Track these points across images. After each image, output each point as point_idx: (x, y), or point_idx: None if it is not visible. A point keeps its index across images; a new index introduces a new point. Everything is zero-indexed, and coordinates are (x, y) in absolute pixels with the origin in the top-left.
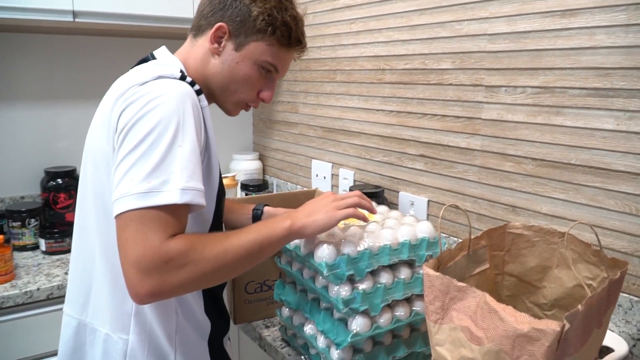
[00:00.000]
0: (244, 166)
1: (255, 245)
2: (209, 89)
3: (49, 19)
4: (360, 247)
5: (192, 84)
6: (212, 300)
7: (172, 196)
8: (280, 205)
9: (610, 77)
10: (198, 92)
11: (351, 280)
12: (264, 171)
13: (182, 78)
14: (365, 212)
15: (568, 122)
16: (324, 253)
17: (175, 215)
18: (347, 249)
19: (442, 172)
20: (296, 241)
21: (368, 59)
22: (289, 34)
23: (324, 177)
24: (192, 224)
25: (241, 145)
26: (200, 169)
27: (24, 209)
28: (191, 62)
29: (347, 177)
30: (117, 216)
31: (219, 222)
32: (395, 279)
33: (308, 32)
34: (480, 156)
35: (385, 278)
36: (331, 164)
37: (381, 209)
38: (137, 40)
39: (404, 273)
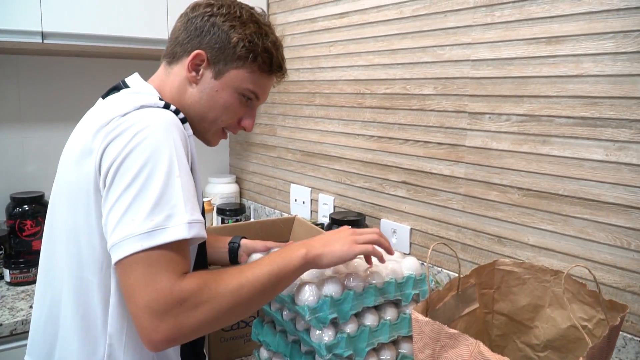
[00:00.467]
0: (220, 190)
1: (272, 277)
2: (187, 118)
3: (17, 40)
4: (344, 288)
5: (176, 112)
6: (190, 344)
7: (179, 231)
8: (258, 235)
9: (598, 107)
10: (183, 121)
11: (334, 323)
12: (240, 195)
13: (166, 106)
14: (383, 253)
15: (555, 151)
16: (305, 296)
17: (181, 251)
18: (330, 290)
19: (425, 199)
20: None
21: (348, 83)
22: (270, 61)
23: (303, 202)
24: None
25: (217, 168)
26: (196, 198)
27: None
28: (167, 90)
29: (326, 203)
30: (119, 261)
31: (203, 252)
32: (381, 320)
33: (286, 53)
34: (464, 184)
35: (370, 320)
36: (310, 189)
37: None
38: (109, 61)
39: (390, 313)
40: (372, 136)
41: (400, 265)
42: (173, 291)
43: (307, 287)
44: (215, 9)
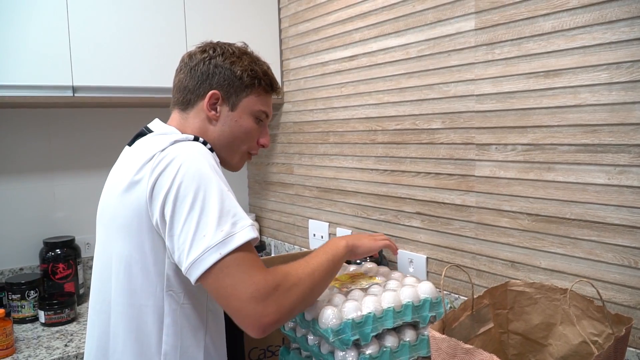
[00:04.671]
0: None
1: (330, 263)
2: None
3: (49, 95)
4: (364, 311)
5: (204, 143)
6: None
7: (246, 233)
8: None
9: (597, 134)
10: (211, 150)
11: (357, 345)
12: (260, 232)
13: (195, 139)
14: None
15: (560, 177)
16: (328, 318)
17: (252, 249)
18: (351, 313)
19: (439, 229)
20: None
21: (360, 121)
22: (270, 81)
23: (322, 237)
24: None
25: None
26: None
27: (23, 281)
28: (189, 131)
29: None
30: (203, 275)
31: None
32: (401, 342)
33: (300, 96)
34: (476, 212)
35: (390, 341)
36: (328, 224)
37: (383, 270)
38: (134, 110)
39: (409, 335)
40: (385, 170)
41: (417, 289)
42: (267, 280)
43: (329, 311)
44: (211, 52)
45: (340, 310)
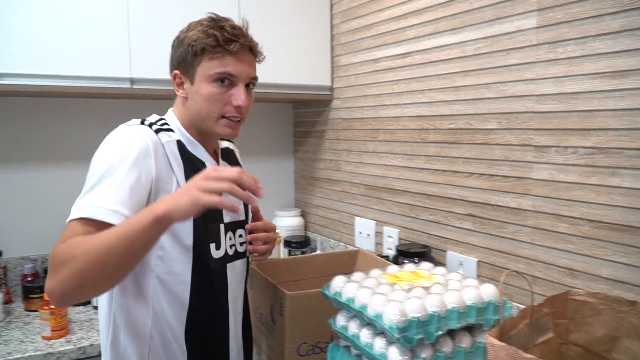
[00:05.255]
0: (286, 223)
1: (122, 235)
2: (198, 129)
3: (108, 86)
4: (429, 309)
5: (150, 125)
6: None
7: (87, 210)
8: (324, 266)
9: None
10: (159, 130)
11: (411, 349)
12: (305, 227)
13: (142, 122)
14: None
15: (626, 183)
16: (393, 315)
17: (90, 224)
18: (416, 311)
19: (491, 232)
20: (363, 300)
21: (411, 119)
22: (216, 41)
23: (368, 235)
24: (172, 246)
25: (283, 202)
26: (127, 194)
27: None
28: (178, 115)
29: (391, 235)
30: None
31: (202, 246)
32: (456, 348)
33: (350, 92)
34: (532, 217)
35: (445, 346)
36: (375, 222)
37: (440, 269)
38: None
39: (465, 341)
40: (437, 170)
41: (480, 291)
42: (53, 252)
43: (394, 308)
44: (175, 38)
45: (404, 307)
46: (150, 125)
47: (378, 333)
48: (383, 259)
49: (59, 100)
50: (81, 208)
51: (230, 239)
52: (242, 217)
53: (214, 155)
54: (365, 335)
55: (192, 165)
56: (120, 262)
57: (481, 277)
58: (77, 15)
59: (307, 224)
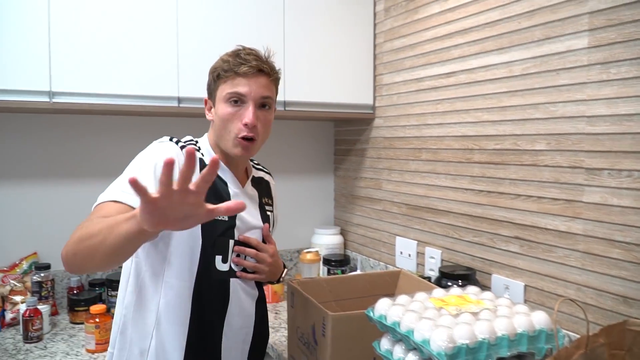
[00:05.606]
0: (325, 240)
1: (105, 226)
2: (222, 151)
3: (158, 105)
4: (478, 336)
5: (178, 142)
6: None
7: (111, 195)
8: (366, 287)
9: None
10: (184, 147)
11: None
12: (345, 246)
13: (171, 139)
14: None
15: None
16: (442, 341)
17: (114, 207)
18: (465, 338)
19: (539, 255)
20: (409, 324)
21: (455, 139)
22: (229, 65)
23: (409, 255)
24: (180, 253)
25: (322, 220)
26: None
27: (118, 279)
28: (209, 138)
29: (433, 256)
30: None
31: (207, 256)
32: None
33: (392, 111)
34: (583, 241)
35: None
36: (416, 242)
37: (488, 294)
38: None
39: None
40: (482, 191)
41: (531, 318)
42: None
43: (443, 333)
44: None
45: (453, 333)
46: (177, 142)
47: (425, 359)
48: (425, 281)
49: (109, 118)
50: (100, 196)
51: (238, 256)
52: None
53: (243, 178)
54: None
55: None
56: (102, 249)
57: (529, 303)
58: (129, 36)
59: (346, 242)
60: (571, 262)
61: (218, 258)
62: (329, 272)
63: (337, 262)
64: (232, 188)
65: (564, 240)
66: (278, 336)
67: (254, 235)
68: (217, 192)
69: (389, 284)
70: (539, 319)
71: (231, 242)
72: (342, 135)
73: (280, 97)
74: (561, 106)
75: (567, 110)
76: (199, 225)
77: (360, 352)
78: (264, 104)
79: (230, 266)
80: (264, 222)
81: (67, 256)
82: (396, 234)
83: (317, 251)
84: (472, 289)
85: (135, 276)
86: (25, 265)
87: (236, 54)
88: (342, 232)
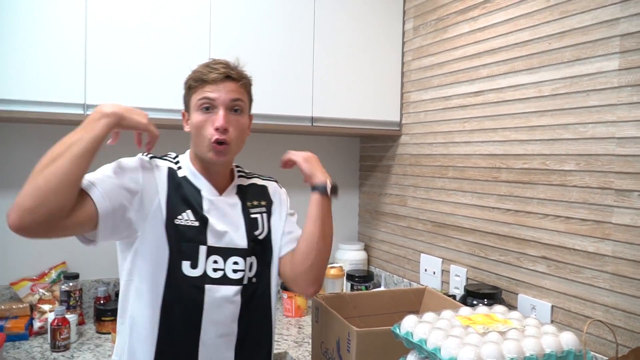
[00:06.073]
0: (349, 256)
1: (67, 139)
2: (200, 161)
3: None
4: (506, 356)
5: (154, 157)
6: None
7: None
8: (390, 303)
9: None
10: (156, 158)
11: None
12: (368, 262)
13: (147, 155)
14: None
15: None
16: (470, 359)
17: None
18: (492, 357)
19: (567, 276)
20: (436, 342)
21: (483, 157)
22: (199, 75)
23: (434, 273)
24: (148, 258)
25: (346, 235)
26: (108, 178)
27: None
28: (190, 152)
29: (459, 274)
30: None
31: (174, 261)
32: None
33: (419, 129)
34: (611, 262)
35: None
36: (441, 260)
37: (515, 314)
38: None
39: None
40: (509, 210)
41: (559, 339)
42: None
43: (470, 353)
44: None
45: (480, 352)
46: (152, 157)
47: None
48: (450, 299)
49: None
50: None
51: (215, 262)
52: (240, 246)
53: (223, 186)
54: None
55: (180, 190)
56: (77, 163)
57: (556, 323)
58: (162, 49)
59: (370, 258)
60: (600, 283)
61: (185, 264)
62: (352, 288)
63: (361, 278)
64: (207, 195)
65: (593, 261)
66: (302, 350)
67: (234, 254)
68: (185, 198)
69: (414, 301)
70: (567, 339)
71: (202, 247)
72: (368, 152)
73: (307, 113)
74: (591, 127)
75: (597, 131)
76: (165, 232)
77: None
78: (235, 107)
79: (204, 272)
80: (248, 226)
81: (21, 204)
82: (421, 251)
83: (340, 266)
84: (499, 308)
85: (121, 285)
86: (54, 275)
87: (206, 64)
88: (366, 248)
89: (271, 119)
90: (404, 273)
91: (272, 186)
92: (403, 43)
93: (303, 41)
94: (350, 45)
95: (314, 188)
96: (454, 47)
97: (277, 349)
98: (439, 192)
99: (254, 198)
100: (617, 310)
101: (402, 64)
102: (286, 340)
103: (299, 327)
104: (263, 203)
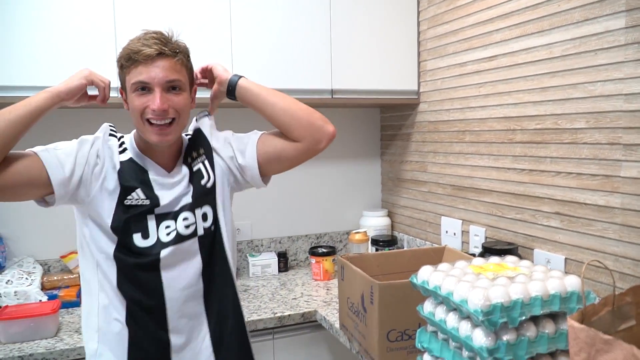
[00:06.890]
0: (373, 222)
1: (21, 111)
2: (143, 140)
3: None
4: (513, 296)
5: (112, 134)
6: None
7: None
8: (411, 262)
9: None
10: (112, 135)
11: (495, 332)
12: (392, 228)
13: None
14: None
15: None
16: (478, 300)
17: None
18: (500, 297)
19: (579, 229)
20: (449, 287)
21: (498, 120)
22: (128, 54)
23: (454, 234)
24: (97, 230)
25: (370, 203)
26: (60, 150)
27: None
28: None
29: (477, 234)
30: None
31: (123, 234)
32: (539, 333)
33: (436, 96)
34: (620, 214)
35: (529, 331)
36: (461, 221)
37: (526, 262)
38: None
39: (548, 328)
40: (523, 169)
41: (564, 281)
42: None
43: (479, 293)
44: None
45: (489, 293)
46: (110, 133)
47: (464, 317)
48: (469, 255)
49: None
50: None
51: (167, 227)
52: (184, 202)
53: (171, 163)
54: (451, 320)
55: (127, 173)
56: (12, 127)
57: (569, 274)
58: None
59: (393, 224)
60: (609, 234)
61: (136, 236)
62: (377, 250)
63: (385, 242)
64: (153, 175)
65: (603, 214)
66: (330, 309)
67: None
68: (135, 176)
69: (434, 259)
70: (572, 282)
71: (149, 216)
72: (388, 121)
73: (327, 86)
74: (600, 85)
75: (605, 89)
76: (114, 211)
77: (406, 318)
78: (173, 86)
79: (157, 239)
80: (194, 182)
81: None
82: (442, 214)
83: (364, 232)
84: (510, 258)
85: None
86: None
87: (137, 38)
88: (390, 214)
89: (292, 93)
90: (426, 236)
91: (205, 125)
92: (418, 12)
93: (320, 15)
94: (366, 17)
95: (234, 78)
96: (467, 14)
97: (307, 307)
98: (457, 157)
99: (192, 150)
100: (626, 259)
101: (418, 33)
102: (315, 300)
103: (327, 289)
104: (202, 151)
